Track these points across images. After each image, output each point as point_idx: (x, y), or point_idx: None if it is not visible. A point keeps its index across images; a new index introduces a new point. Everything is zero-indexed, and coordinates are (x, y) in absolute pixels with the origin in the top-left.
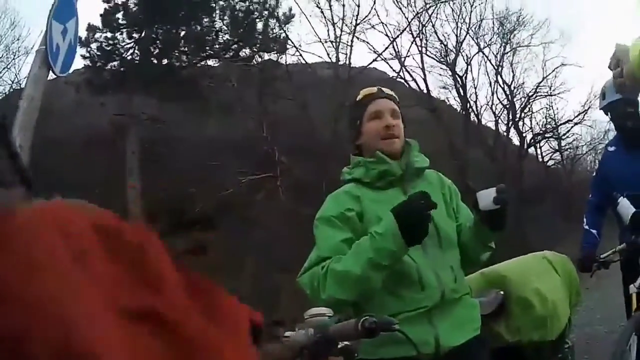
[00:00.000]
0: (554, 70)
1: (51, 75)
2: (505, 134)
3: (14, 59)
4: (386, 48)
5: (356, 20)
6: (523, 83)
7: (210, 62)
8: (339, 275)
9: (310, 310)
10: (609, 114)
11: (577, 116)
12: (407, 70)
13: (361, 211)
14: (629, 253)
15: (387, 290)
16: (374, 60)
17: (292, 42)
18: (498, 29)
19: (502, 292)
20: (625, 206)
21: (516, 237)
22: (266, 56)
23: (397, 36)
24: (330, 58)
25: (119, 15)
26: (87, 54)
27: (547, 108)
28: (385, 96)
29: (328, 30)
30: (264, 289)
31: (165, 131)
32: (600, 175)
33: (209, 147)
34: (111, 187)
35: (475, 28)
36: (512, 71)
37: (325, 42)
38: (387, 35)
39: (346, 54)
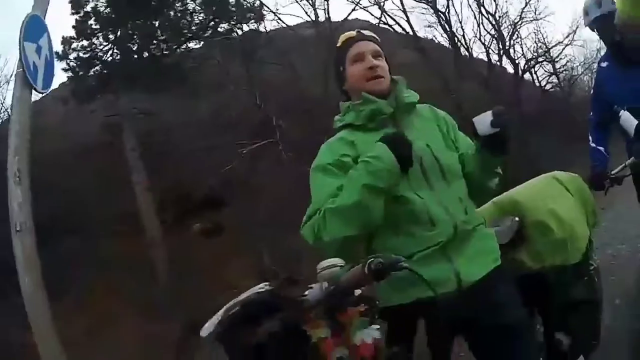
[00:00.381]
0: None
1: (36, 95)
2: (498, 63)
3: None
4: None
5: None
6: (507, 11)
7: (192, 45)
8: (337, 211)
9: (321, 264)
10: (595, 30)
11: (566, 37)
12: (388, 15)
13: (357, 155)
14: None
15: (398, 230)
16: (353, 10)
17: (268, 8)
18: None
19: (517, 219)
20: (628, 119)
21: (523, 163)
22: (245, 27)
23: None
24: (309, 17)
25: (91, 21)
26: (67, 66)
27: (535, 33)
28: (366, 38)
29: None
30: (284, 254)
31: (160, 122)
32: (597, 93)
33: (206, 127)
34: (117, 189)
35: None
36: (494, 0)
37: (302, 0)
38: None
39: (324, 9)
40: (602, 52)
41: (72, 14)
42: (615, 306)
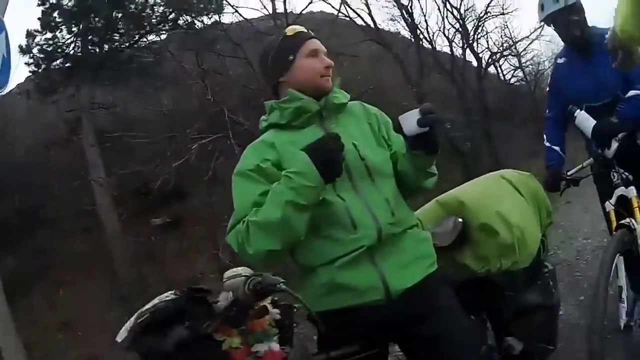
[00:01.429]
0: None
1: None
2: (461, 57)
3: None
4: None
5: None
6: (473, 5)
7: (152, 38)
8: (260, 226)
9: (227, 273)
10: (552, 25)
11: (533, 32)
12: (350, 7)
13: (278, 158)
14: (599, 167)
15: (319, 233)
16: (311, 1)
17: (227, 1)
18: None
19: (460, 220)
20: (584, 119)
21: (487, 155)
22: (205, 20)
23: None
24: (267, 10)
25: (56, 14)
26: (31, 60)
27: (502, 27)
28: (316, 36)
29: None
30: None
31: (120, 115)
32: (554, 90)
33: (165, 121)
34: (77, 184)
35: None
36: None
37: None
38: None
39: (283, 1)
40: None
41: (39, 5)
42: (580, 303)
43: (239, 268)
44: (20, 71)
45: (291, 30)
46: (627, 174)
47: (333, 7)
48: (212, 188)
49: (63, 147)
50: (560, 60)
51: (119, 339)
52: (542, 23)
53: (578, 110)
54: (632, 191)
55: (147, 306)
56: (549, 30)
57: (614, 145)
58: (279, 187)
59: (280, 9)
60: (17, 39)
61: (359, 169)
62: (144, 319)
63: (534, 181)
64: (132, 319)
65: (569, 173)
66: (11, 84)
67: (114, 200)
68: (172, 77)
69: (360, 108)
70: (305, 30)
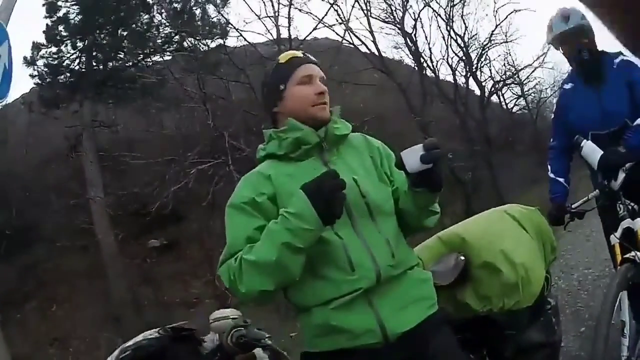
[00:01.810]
0: (506, 17)
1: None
2: (464, 85)
3: None
4: (326, 13)
5: None
6: (477, 33)
7: (156, 58)
8: (253, 266)
9: (214, 314)
10: (560, 48)
11: (536, 60)
12: (354, 35)
13: (273, 192)
14: (604, 200)
15: (314, 273)
16: (315, 28)
17: (232, 25)
18: None
19: (462, 257)
20: (591, 150)
21: (489, 186)
22: (210, 43)
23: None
24: (271, 34)
25: (61, 28)
26: (35, 72)
27: (504, 55)
28: (313, 61)
29: (266, 6)
30: None
31: (121, 135)
32: (559, 117)
33: (166, 143)
34: (74, 201)
35: None
36: (464, 23)
37: (262, 18)
38: (329, 2)
39: (287, 27)
40: None
41: (46, 17)
42: (581, 335)
43: (228, 310)
44: (25, 82)
45: (284, 57)
46: (633, 205)
47: (337, 34)
48: (210, 212)
49: (63, 163)
50: (566, 86)
51: None
52: (546, 49)
53: (585, 141)
54: (638, 223)
55: (130, 342)
56: (552, 58)
57: (621, 176)
58: (276, 227)
59: (284, 34)
60: (23, 49)
61: (359, 206)
62: (126, 355)
63: (538, 216)
64: (115, 353)
65: (573, 206)
66: (16, 94)
67: (111, 219)
68: (174, 99)
69: (363, 140)
70: (300, 55)
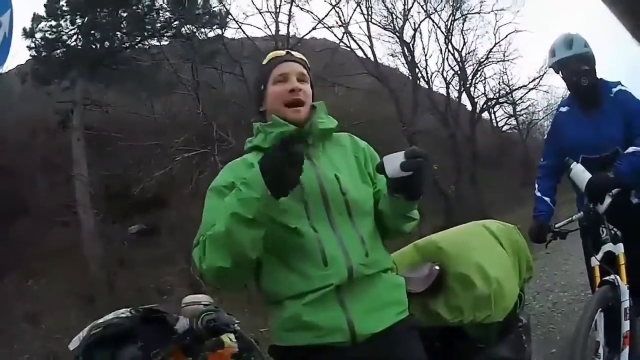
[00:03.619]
0: (506, 37)
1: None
2: (457, 99)
3: None
4: (327, 14)
5: None
6: (475, 49)
7: (153, 42)
8: (210, 240)
9: (186, 299)
10: (560, 72)
11: (531, 82)
12: (352, 38)
13: None
14: (588, 222)
15: (288, 266)
16: (314, 28)
17: (232, 16)
18: None
19: (437, 267)
20: (579, 172)
21: (472, 201)
22: (208, 32)
23: (339, 1)
24: (270, 30)
25: (63, 2)
26: (33, 44)
27: (500, 74)
28: (293, 59)
29: (267, 1)
30: None
31: (110, 115)
32: (553, 138)
33: (155, 128)
34: (58, 177)
35: None
36: (463, 38)
37: (263, 12)
38: (330, 4)
39: (287, 23)
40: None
41: None
42: (551, 356)
43: (200, 295)
44: (22, 53)
45: (267, 57)
46: (616, 230)
47: (336, 35)
48: (192, 201)
49: (51, 138)
50: (562, 109)
51: (71, 347)
52: (543, 72)
53: (575, 163)
54: (619, 248)
55: (101, 320)
56: (547, 81)
57: (607, 200)
58: (228, 199)
59: (283, 30)
60: (23, 20)
61: (338, 202)
62: (97, 332)
63: (517, 234)
64: (86, 330)
65: (556, 225)
66: (12, 64)
67: (93, 199)
68: (167, 84)
69: (349, 140)
70: (281, 54)
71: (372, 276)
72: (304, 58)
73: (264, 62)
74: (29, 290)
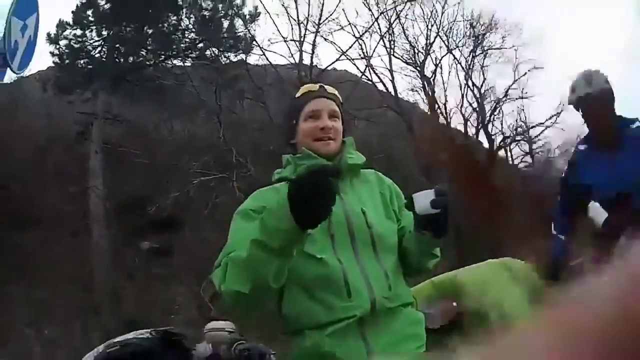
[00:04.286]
0: (525, 74)
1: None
2: (474, 136)
3: None
4: (350, 46)
5: (319, 18)
6: (494, 86)
7: (176, 62)
8: (232, 263)
9: (210, 324)
10: (579, 109)
11: (548, 119)
12: (374, 71)
13: None
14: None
15: (311, 295)
16: (337, 59)
17: (257, 42)
18: (469, 31)
19: (455, 304)
20: (597, 212)
21: (485, 236)
22: (232, 56)
23: (363, 34)
24: (294, 58)
25: (89, 12)
26: (56, 51)
27: (518, 111)
28: (326, 95)
29: (292, 30)
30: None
31: (129, 131)
32: (570, 176)
33: (173, 147)
34: (72, 187)
35: (446, 30)
36: (483, 74)
37: (288, 40)
38: (354, 36)
39: (310, 53)
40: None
41: None
42: None
43: (223, 322)
44: (44, 59)
45: (300, 90)
46: None
47: (358, 68)
48: (206, 225)
49: (67, 147)
50: (581, 147)
51: None
52: (560, 110)
53: (592, 202)
54: None
55: (119, 338)
56: (564, 118)
57: (622, 238)
58: (253, 224)
59: (306, 59)
60: (47, 25)
61: (364, 236)
62: (113, 350)
63: (533, 272)
64: (101, 346)
65: (571, 264)
66: (33, 68)
67: (107, 212)
68: (188, 106)
69: (375, 177)
70: (314, 89)
71: (394, 310)
72: (336, 94)
73: (297, 95)
74: (35, 298)
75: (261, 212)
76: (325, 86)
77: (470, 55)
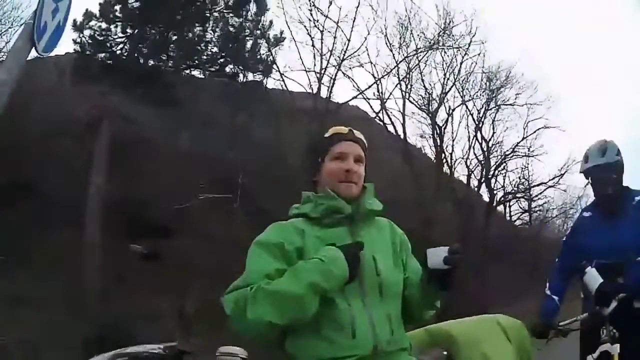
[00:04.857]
0: (535, 132)
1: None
2: (476, 189)
3: (10, 27)
4: (369, 87)
5: (344, 54)
6: (502, 141)
7: (196, 72)
8: (272, 295)
9: (222, 348)
10: (589, 178)
11: (551, 179)
12: (387, 113)
13: (302, 247)
14: (592, 323)
15: (318, 333)
16: (355, 97)
17: (278, 67)
18: (485, 84)
19: (445, 352)
20: (592, 277)
21: (477, 291)
22: (250, 76)
23: (382, 76)
24: (312, 89)
25: (117, 7)
26: (79, 40)
27: (522, 168)
28: (354, 139)
29: (314, 61)
30: (209, 308)
31: (137, 133)
32: (571, 240)
33: (179, 156)
34: (75, 179)
35: (462, 80)
36: (493, 128)
37: (309, 71)
38: (373, 75)
39: (328, 86)
40: (584, 201)
41: None
42: None
43: (236, 348)
44: (65, 44)
45: (331, 130)
46: (615, 331)
47: (372, 107)
48: (201, 240)
49: (74, 138)
50: (585, 214)
51: None
52: (564, 171)
53: (589, 267)
54: (616, 349)
55: (129, 349)
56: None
57: (613, 304)
58: (307, 266)
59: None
60: (74, 12)
61: (372, 282)
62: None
63: (523, 330)
64: (109, 355)
65: (561, 324)
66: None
67: (104, 208)
68: (202, 119)
69: (389, 226)
70: (344, 132)
71: (393, 353)
72: (363, 139)
73: (327, 134)
74: (19, 278)
75: (281, 249)
76: (354, 131)
77: (483, 108)
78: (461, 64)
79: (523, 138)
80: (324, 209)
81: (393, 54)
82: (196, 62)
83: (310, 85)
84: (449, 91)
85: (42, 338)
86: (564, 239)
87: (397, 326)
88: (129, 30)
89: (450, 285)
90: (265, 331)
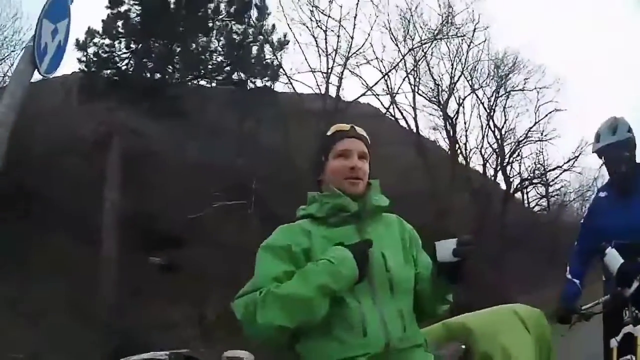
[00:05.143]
0: (546, 115)
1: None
2: (492, 178)
3: (12, 51)
4: (377, 82)
5: (349, 52)
6: (514, 127)
7: (202, 82)
8: (282, 299)
9: (228, 353)
10: (602, 157)
11: (566, 162)
12: (397, 108)
13: (309, 247)
14: (614, 305)
15: (329, 333)
16: (363, 94)
17: (284, 71)
18: (493, 71)
19: (463, 346)
20: (613, 257)
21: (496, 281)
22: (258, 82)
23: (389, 70)
24: (320, 89)
25: (119, 23)
26: (83, 58)
27: (537, 154)
28: (356, 136)
29: (320, 61)
30: (228, 314)
31: (146, 146)
32: (589, 222)
33: (189, 167)
34: (86, 196)
35: (470, 69)
36: (505, 115)
37: (315, 72)
38: (381, 71)
39: (337, 86)
40: (599, 182)
41: (107, 7)
42: None
43: (242, 352)
44: (70, 64)
45: (332, 129)
46: (638, 312)
47: (382, 103)
48: (215, 249)
49: (84, 155)
50: (601, 194)
51: None
52: (578, 153)
53: (609, 248)
54: (639, 330)
55: (136, 357)
56: (581, 162)
57: (635, 285)
58: (316, 268)
59: (332, 90)
60: (76, 32)
61: (382, 279)
62: None
63: (543, 319)
64: None
65: (583, 307)
66: (58, 71)
67: (119, 223)
68: (210, 128)
69: (397, 222)
70: (346, 129)
71: (406, 350)
72: (366, 135)
73: (328, 133)
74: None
75: (288, 251)
76: (356, 127)
77: (493, 96)
78: (467, 52)
79: (535, 123)
80: (330, 208)
81: (399, 48)
82: (202, 72)
83: (319, 86)
84: (457, 81)
85: (59, 355)
86: (582, 221)
87: (410, 322)
88: (132, 45)
89: (461, 278)
90: (276, 335)
